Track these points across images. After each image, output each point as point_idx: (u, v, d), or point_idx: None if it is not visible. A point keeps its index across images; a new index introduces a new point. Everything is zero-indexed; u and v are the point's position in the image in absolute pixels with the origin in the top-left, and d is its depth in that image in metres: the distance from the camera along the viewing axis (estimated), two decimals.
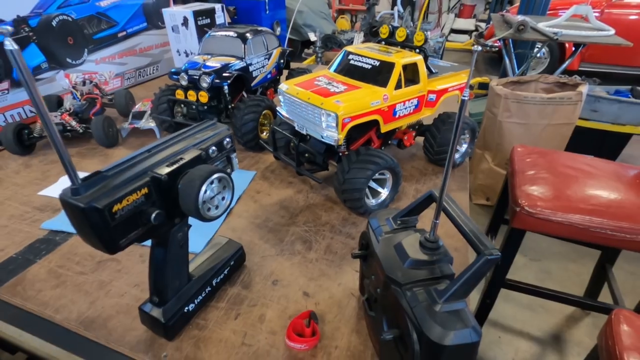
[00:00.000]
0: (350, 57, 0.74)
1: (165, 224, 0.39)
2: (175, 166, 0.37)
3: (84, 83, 1.10)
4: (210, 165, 0.39)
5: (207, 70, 0.85)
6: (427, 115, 0.79)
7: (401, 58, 0.68)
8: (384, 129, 0.70)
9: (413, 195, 0.75)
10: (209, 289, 0.50)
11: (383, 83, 0.67)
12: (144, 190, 0.35)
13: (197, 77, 0.84)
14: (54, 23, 1.09)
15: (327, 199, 0.74)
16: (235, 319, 0.49)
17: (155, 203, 0.37)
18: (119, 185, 0.34)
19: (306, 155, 0.73)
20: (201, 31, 1.35)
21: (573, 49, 2.41)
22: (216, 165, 0.43)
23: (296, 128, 0.70)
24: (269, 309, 0.51)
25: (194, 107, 0.88)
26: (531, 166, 1.41)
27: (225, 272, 0.53)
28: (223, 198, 0.40)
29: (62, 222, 0.67)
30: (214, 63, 0.88)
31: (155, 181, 0.36)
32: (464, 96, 0.29)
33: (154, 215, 0.36)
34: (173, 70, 0.89)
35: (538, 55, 2.84)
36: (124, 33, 1.33)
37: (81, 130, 0.93)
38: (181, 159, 0.39)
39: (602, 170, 1.35)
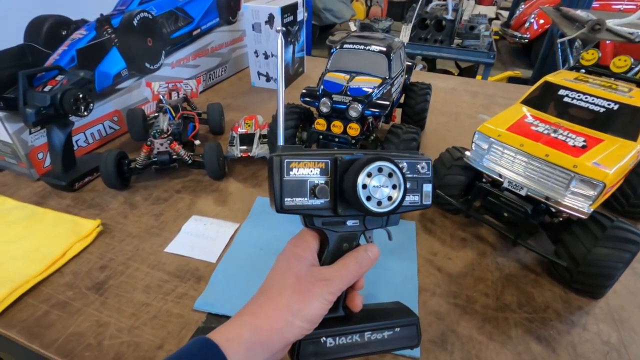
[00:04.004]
0: (563, 92, 0.59)
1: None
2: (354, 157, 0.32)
3: (170, 95, 0.94)
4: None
5: (355, 95, 0.69)
6: None
7: None
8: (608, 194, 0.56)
9: (631, 266, 0.62)
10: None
11: (629, 134, 0.53)
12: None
13: (346, 104, 0.69)
14: (135, 22, 0.91)
15: (523, 267, 0.61)
16: None
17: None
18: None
19: (506, 214, 0.59)
20: (285, 30, 1.18)
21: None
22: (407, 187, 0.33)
23: (507, 185, 0.56)
24: None
25: (337, 139, 0.72)
26: None
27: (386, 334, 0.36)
28: (389, 198, 0.32)
29: (217, 299, 0.53)
30: (358, 85, 0.72)
31: (334, 162, 0.32)
32: None
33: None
34: (305, 91, 0.73)
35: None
36: (198, 30, 1.15)
37: (190, 161, 0.77)
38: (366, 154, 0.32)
39: None
